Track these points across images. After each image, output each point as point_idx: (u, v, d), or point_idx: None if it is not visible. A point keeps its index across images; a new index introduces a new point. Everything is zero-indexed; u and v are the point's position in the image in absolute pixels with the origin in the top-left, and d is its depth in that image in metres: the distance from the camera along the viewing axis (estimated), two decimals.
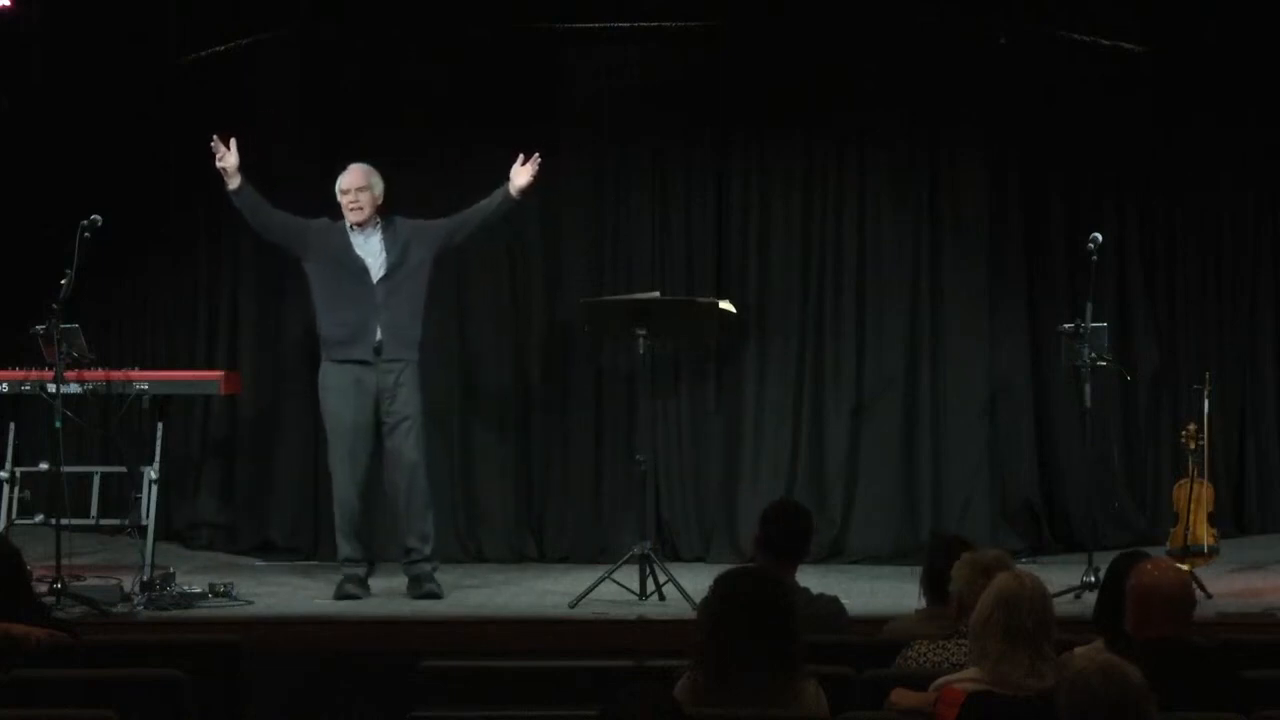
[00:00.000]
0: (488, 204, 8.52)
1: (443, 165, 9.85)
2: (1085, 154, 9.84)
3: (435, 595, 8.22)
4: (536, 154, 8.44)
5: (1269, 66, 9.63)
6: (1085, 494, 8.93)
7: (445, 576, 8.80)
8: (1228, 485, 9.81)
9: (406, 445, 8.30)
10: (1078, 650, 5.05)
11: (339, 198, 8.42)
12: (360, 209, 8.37)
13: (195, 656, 5.67)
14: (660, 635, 7.09)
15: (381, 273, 8.36)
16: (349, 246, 8.38)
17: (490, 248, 9.77)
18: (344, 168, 8.50)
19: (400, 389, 8.30)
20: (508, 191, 8.47)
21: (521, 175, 8.45)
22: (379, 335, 8.28)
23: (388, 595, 8.36)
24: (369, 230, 8.41)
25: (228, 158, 8.25)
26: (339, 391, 8.31)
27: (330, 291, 8.37)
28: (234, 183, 8.32)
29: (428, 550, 8.34)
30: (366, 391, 8.29)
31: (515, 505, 9.73)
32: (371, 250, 8.40)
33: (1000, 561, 5.21)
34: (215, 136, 8.23)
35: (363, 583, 8.30)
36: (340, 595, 8.21)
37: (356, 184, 8.39)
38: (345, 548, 8.32)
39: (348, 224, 8.41)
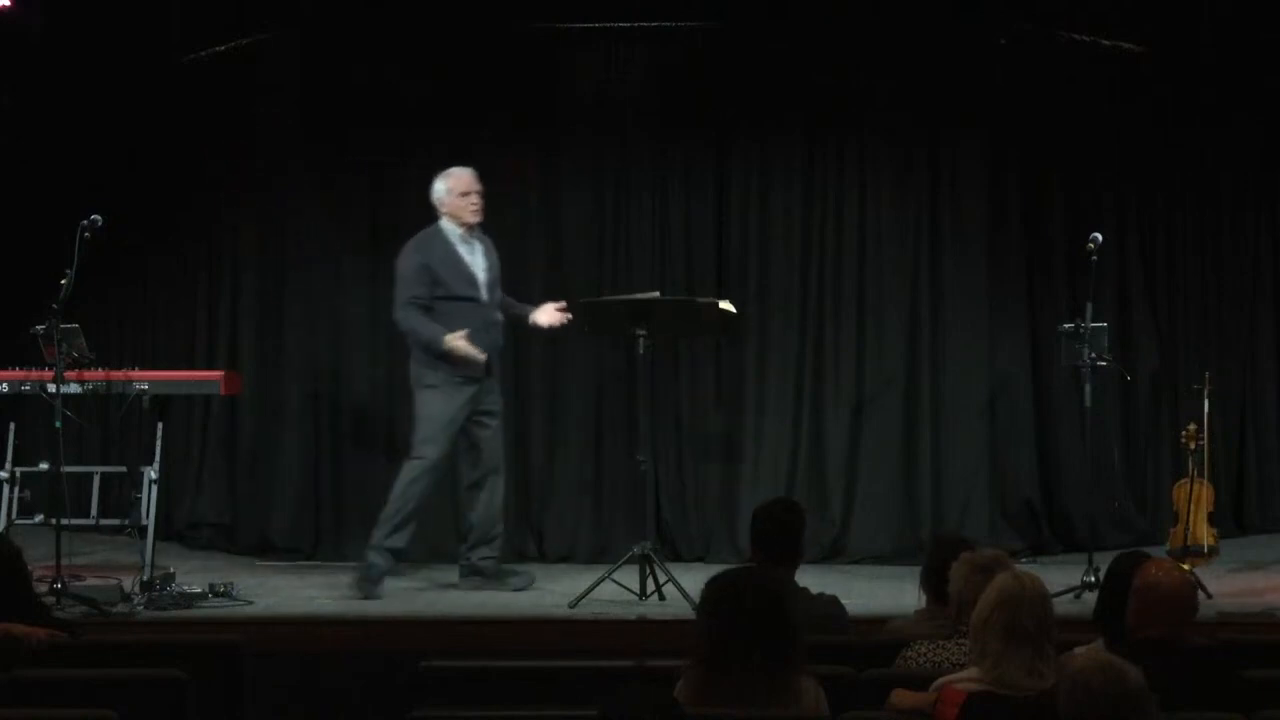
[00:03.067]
0: (513, 302, 8.63)
1: (442, 165, 9.82)
2: (1085, 154, 9.85)
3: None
4: (569, 315, 8.49)
5: (1268, 66, 9.63)
6: (1085, 494, 8.94)
7: (445, 577, 8.83)
8: (1228, 485, 9.82)
9: (498, 445, 8.45)
10: (1078, 650, 5.06)
11: (455, 198, 8.39)
12: (479, 211, 8.40)
13: (195, 656, 5.67)
14: (660, 635, 7.09)
15: (485, 281, 8.40)
16: (460, 259, 8.39)
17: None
18: (448, 170, 8.49)
19: (492, 393, 8.42)
20: (531, 316, 8.56)
21: (544, 316, 8.50)
22: (490, 360, 8.35)
23: (388, 595, 8.36)
24: (474, 237, 8.43)
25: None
26: (447, 398, 8.30)
27: (446, 306, 8.33)
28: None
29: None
30: (471, 400, 8.34)
31: (515, 505, 9.72)
32: (478, 262, 8.43)
33: (999, 561, 5.21)
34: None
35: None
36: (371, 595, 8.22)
37: (479, 187, 8.43)
38: (397, 540, 8.32)
39: (455, 230, 8.38)
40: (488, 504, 8.44)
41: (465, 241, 8.42)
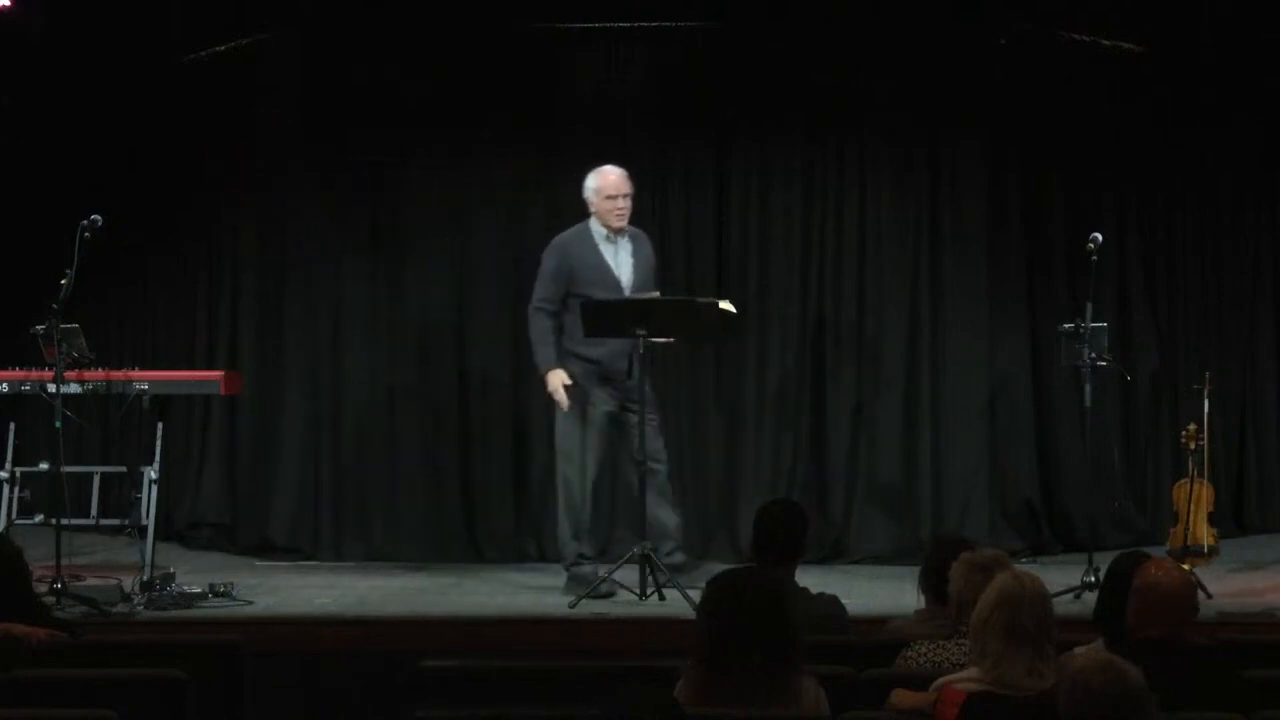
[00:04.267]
0: None
1: (443, 165, 9.87)
2: (1085, 154, 9.85)
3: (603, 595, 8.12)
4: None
5: (1268, 66, 9.63)
6: (1085, 494, 8.94)
7: (445, 577, 8.84)
8: (1228, 485, 9.81)
9: (651, 439, 8.36)
10: (1078, 650, 5.06)
11: (600, 200, 8.38)
12: (625, 215, 8.37)
13: (195, 656, 5.67)
14: (660, 635, 7.08)
15: (630, 282, 8.36)
16: (603, 261, 8.37)
17: (491, 248, 9.79)
18: (595, 170, 8.46)
19: (637, 390, 8.34)
20: None
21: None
22: (631, 360, 8.30)
23: (388, 595, 8.36)
24: (621, 239, 8.41)
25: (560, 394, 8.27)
26: (582, 398, 8.31)
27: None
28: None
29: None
30: (609, 399, 8.35)
31: (515, 505, 9.73)
32: (623, 262, 8.40)
33: (998, 561, 5.21)
34: None
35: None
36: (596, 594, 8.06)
37: (627, 189, 8.40)
38: (581, 546, 8.33)
39: (600, 230, 8.37)
40: (650, 501, 8.35)
41: (611, 241, 8.39)
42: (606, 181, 8.39)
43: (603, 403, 8.35)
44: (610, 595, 8.04)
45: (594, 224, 8.42)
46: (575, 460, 8.38)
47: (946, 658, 5.19)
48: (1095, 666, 3.97)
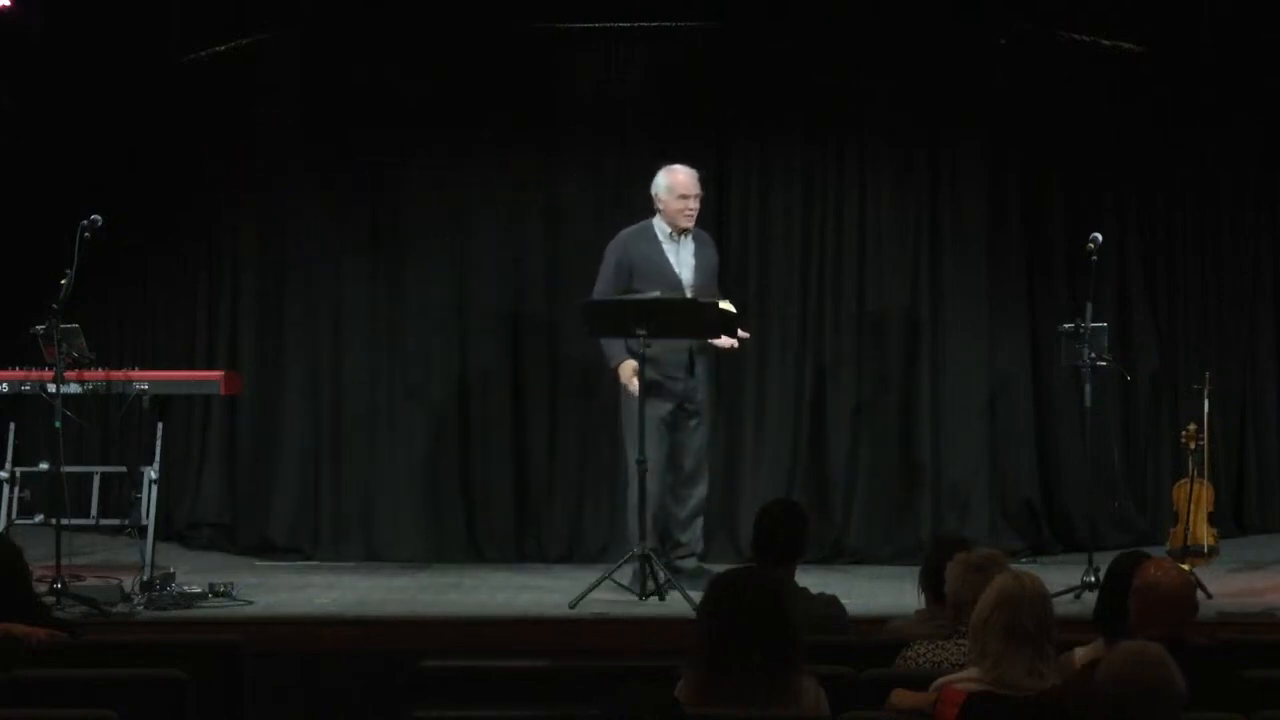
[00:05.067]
0: None
1: (443, 165, 9.86)
2: (1085, 154, 9.85)
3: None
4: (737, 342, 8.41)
5: (1268, 66, 9.63)
6: (1085, 494, 8.93)
7: (445, 577, 8.83)
8: (1228, 485, 9.81)
9: (699, 445, 8.40)
10: (1078, 650, 5.06)
11: (671, 199, 8.36)
12: (694, 216, 8.37)
13: (195, 656, 5.66)
14: (660, 635, 7.08)
15: (691, 281, 8.35)
16: (665, 259, 8.36)
17: (491, 248, 9.79)
18: (667, 168, 8.43)
19: (696, 392, 8.39)
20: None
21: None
22: (691, 356, 8.31)
23: (388, 595, 8.36)
24: (684, 239, 8.40)
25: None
26: (646, 398, 8.25)
27: None
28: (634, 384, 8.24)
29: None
30: (671, 399, 8.33)
31: (515, 505, 9.73)
32: (685, 261, 8.39)
33: (994, 560, 5.21)
34: None
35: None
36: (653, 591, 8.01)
37: (697, 190, 8.40)
38: (646, 540, 8.23)
39: (664, 229, 8.36)
40: (686, 503, 8.36)
41: (674, 240, 8.39)
42: (678, 181, 8.38)
43: (662, 402, 8.33)
44: (662, 593, 7.99)
45: (658, 222, 8.41)
46: (641, 456, 8.34)
47: (946, 658, 5.19)
48: (1132, 656, 3.97)
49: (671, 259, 8.37)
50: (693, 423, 8.44)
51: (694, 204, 8.37)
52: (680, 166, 8.44)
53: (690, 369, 8.37)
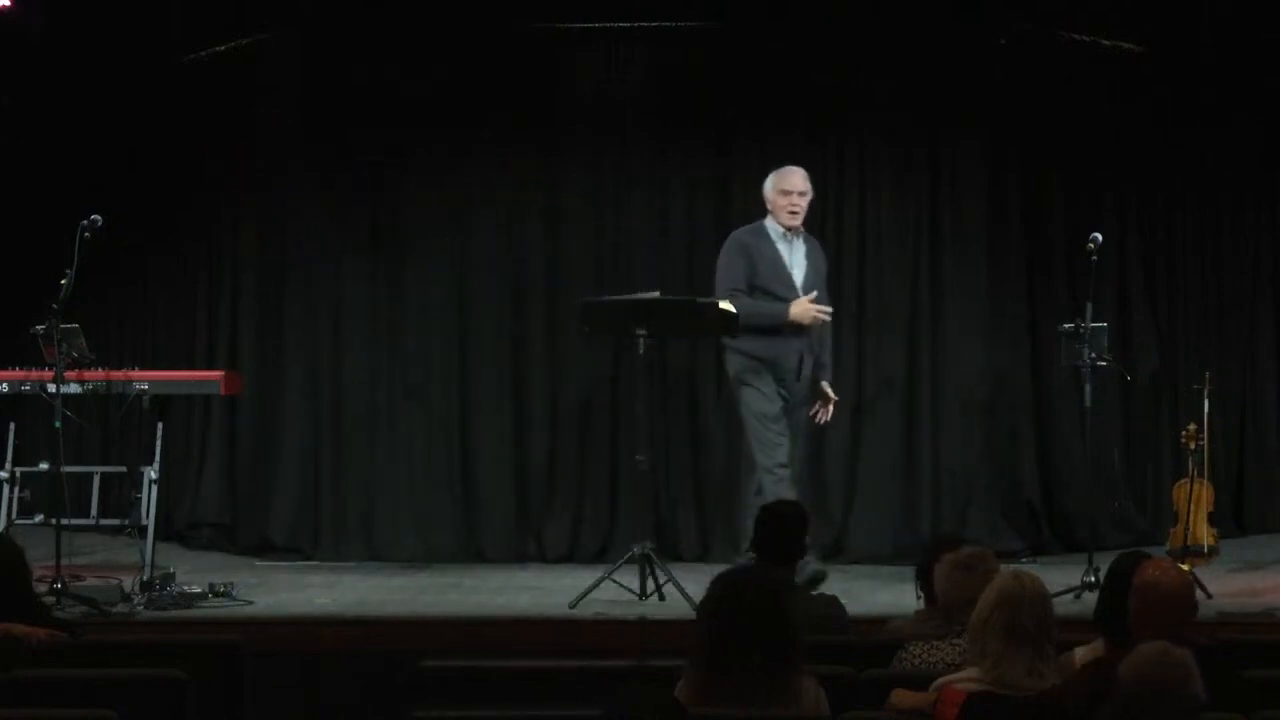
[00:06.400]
0: None
1: (443, 165, 9.86)
2: (1085, 154, 9.85)
3: None
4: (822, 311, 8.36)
5: (1268, 66, 9.63)
6: (1085, 494, 8.93)
7: (445, 577, 8.82)
8: (1228, 485, 9.82)
9: (794, 447, 8.36)
10: (1078, 650, 5.06)
11: (777, 197, 8.37)
12: (799, 214, 8.37)
13: (195, 656, 5.66)
14: (660, 635, 7.08)
15: (804, 282, 8.35)
16: (779, 257, 8.37)
17: (491, 248, 9.79)
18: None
19: (798, 394, 8.35)
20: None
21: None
22: (801, 358, 8.29)
23: (388, 595, 8.36)
24: (795, 240, 8.41)
25: None
26: (767, 397, 8.26)
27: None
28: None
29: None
30: (782, 396, 8.31)
31: (515, 505, 9.73)
32: (797, 261, 8.40)
33: (981, 559, 5.21)
34: None
35: None
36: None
37: (803, 188, 8.41)
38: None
39: (777, 228, 8.37)
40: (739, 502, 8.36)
41: (786, 240, 8.40)
42: (783, 178, 8.42)
43: (778, 404, 8.30)
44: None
45: (769, 222, 8.43)
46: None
47: (940, 658, 5.19)
48: (1154, 655, 3.98)
49: (785, 258, 8.39)
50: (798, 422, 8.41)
51: (797, 200, 8.38)
52: (791, 167, 8.48)
53: (799, 371, 8.35)
